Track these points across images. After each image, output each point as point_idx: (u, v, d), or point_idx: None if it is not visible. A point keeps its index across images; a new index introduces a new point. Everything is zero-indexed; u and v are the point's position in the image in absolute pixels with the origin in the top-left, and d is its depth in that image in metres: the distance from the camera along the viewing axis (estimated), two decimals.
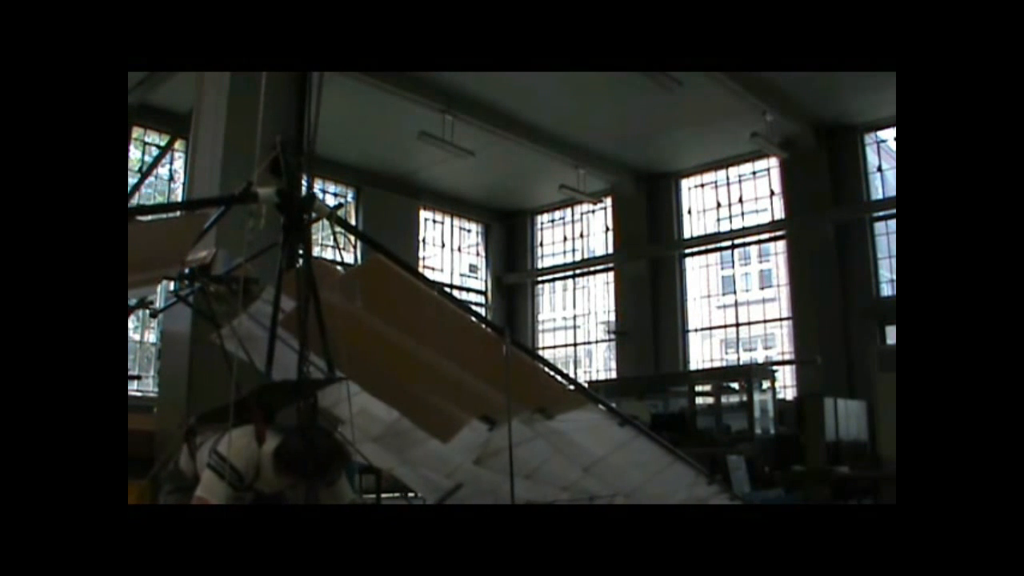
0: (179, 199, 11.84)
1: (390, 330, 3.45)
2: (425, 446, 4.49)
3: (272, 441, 2.80)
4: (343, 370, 3.26)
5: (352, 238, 4.57)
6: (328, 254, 10.62)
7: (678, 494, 4.60)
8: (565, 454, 4.34)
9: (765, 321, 15.93)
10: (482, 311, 18.72)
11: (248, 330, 3.82)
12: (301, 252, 3.07)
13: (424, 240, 17.24)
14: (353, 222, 14.10)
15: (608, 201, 17.14)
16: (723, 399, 12.16)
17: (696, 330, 16.19)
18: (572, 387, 4.25)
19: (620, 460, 4.38)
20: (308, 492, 2.82)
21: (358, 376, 3.61)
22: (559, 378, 3.99)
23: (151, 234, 2.98)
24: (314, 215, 3.10)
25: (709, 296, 16.41)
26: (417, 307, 3.39)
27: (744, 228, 15.66)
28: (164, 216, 3.98)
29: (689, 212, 16.38)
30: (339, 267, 3.45)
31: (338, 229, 3.27)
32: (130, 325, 13.08)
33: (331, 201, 15.56)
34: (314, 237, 3.52)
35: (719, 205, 15.98)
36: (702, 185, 16.30)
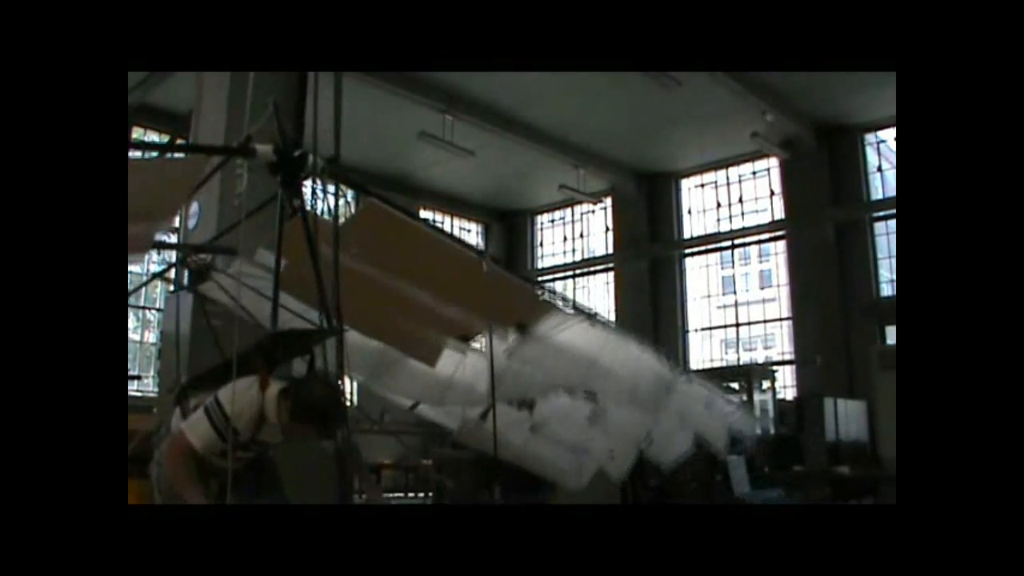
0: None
1: (375, 270, 3.63)
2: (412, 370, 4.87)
3: (276, 385, 2.81)
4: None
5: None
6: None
7: (651, 383, 4.89)
8: (551, 375, 4.70)
9: (765, 321, 15.93)
10: None
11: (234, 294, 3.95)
12: (298, 205, 3.14)
13: None
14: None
15: (608, 201, 17.14)
16: None
17: (696, 330, 16.19)
18: (543, 295, 4.70)
19: (600, 364, 4.66)
20: (312, 434, 2.84)
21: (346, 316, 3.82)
22: (533, 289, 4.38)
23: (147, 175, 2.97)
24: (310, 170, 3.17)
25: (709, 296, 16.41)
26: (408, 243, 3.63)
27: (744, 228, 15.66)
28: (158, 156, 4.00)
29: (689, 212, 16.38)
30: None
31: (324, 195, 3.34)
32: (130, 325, 13.08)
33: (331, 200, 15.55)
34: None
35: (719, 205, 15.98)
36: (702, 185, 16.31)
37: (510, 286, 4.20)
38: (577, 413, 5.25)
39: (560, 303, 4.63)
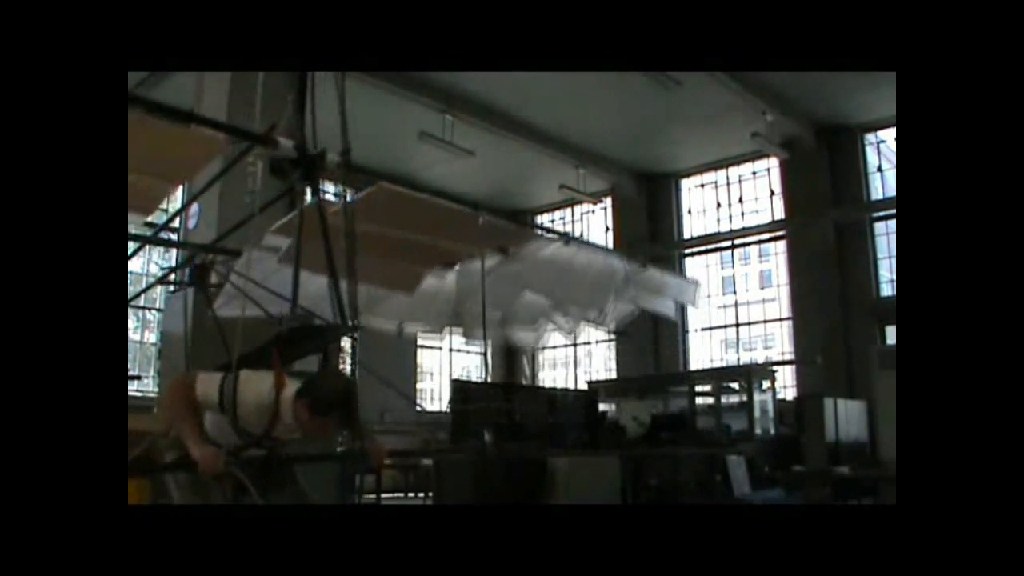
0: (180, 200, 11.84)
1: (374, 228, 3.77)
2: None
3: (292, 386, 2.81)
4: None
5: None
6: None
7: (608, 276, 5.58)
8: (525, 284, 5.30)
9: (765, 321, 15.93)
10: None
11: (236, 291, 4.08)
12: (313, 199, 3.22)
13: None
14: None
15: (608, 201, 17.14)
16: (723, 399, 12.16)
17: (696, 330, 16.19)
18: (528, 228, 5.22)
19: (575, 273, 5.31)
20: (332, 429, 2.86)
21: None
22: (520, 225, 4.91)
23: (165, 137, 2.99)
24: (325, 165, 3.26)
25: (709, 296, 16.41)
26: (410, 209, 3.96)
27: (744, 228, 15.66)
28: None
29: (689, 212, 16.38)
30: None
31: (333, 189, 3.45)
32: (130, 325, 13.09)
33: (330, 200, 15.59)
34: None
35: (719, 205, 15.98)
36: (702, 185, 16.31)
37: (500, 225, 4.49)
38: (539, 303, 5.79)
39: (540, 231, 5.34)
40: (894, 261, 13.37)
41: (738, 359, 15.82)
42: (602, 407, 11.84)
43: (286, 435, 2.93)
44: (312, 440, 3.07)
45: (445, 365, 17.79)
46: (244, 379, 2.84)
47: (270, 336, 3.08)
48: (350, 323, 3.19)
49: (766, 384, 12.05)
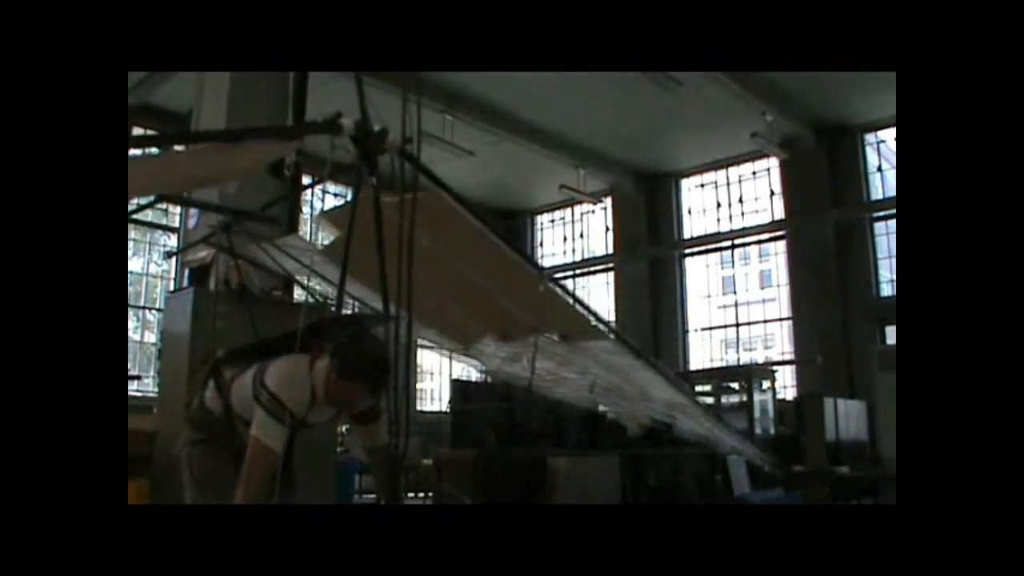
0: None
1: (428, 244, 3.55)
2: None
3: (325, 360, 2.71)
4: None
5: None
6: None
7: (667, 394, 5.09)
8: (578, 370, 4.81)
9: (765, 321, 15.93)
10: None
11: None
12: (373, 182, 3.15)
13: None
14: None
15: (608, 201, 17.15)
16: (723, 399, 12.15)
17: (696, 330, 16.19)
18: (594, 320, 4.59)
19: (626, 380, 4.82)
20: (374, 396, 2.77)
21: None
22: (585, 312, 4.21)
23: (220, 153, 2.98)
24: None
25: (709, 296, 16.42)
26: (467, 237, 3.54)
27: (744, 228, 15.67)
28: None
29: (689, 212, 16.39)
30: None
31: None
32: (130, 325, 13.10)
33: (331, 200, 15.57)
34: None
35: (719, 205, 15.99)
36: (702, 185, 16.32)
37: (563, 305, 4.10)
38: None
39: (608, 329, 4.66)
40: (894, 261, 13.38)
41: (738, 359, 15.83)
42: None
43: (318, 419, 2.87)
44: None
45: (445, 365, 17.80)
46: (276, 378, 2.73)
47: (297, 327, 2.96)
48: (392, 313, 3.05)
49: (766, 384, 12.05)
